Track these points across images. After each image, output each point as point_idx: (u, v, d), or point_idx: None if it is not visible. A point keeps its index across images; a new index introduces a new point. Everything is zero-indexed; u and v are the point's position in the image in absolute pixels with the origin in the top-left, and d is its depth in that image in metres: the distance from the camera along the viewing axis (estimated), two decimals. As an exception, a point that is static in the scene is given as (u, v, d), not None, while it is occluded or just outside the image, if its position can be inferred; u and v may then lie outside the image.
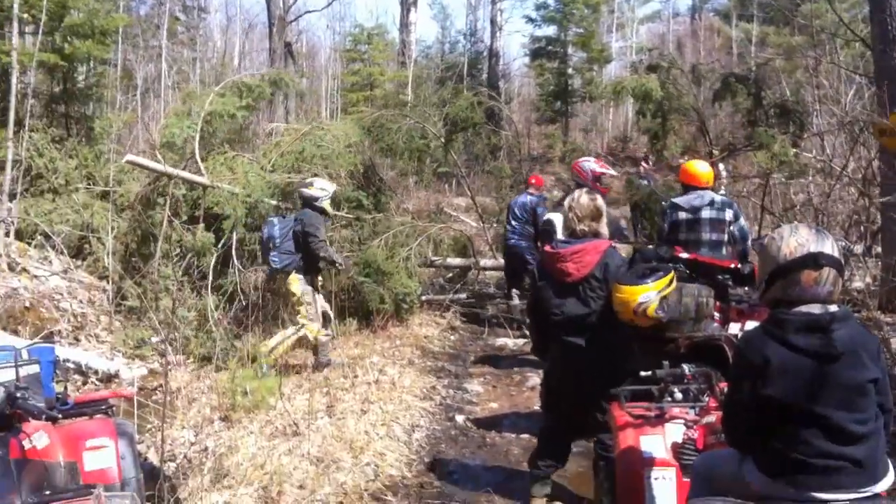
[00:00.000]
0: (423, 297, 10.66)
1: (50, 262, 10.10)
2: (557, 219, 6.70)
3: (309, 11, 25.59)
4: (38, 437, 3.27)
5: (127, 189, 11.23)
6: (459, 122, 13.07)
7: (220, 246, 9.58)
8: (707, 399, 3.99)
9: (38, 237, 10.42)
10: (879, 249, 9.41)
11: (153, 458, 5.70)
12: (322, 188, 8.28)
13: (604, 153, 25.91)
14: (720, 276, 6.07)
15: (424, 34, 48.94)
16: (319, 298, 8.28)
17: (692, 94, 18.32)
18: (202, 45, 30.19)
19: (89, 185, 11.62)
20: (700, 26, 39.27)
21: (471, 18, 36.55)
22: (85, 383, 7.50)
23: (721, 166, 17.08)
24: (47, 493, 3.02)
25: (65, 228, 10.56)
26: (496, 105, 16.13)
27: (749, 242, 6.86)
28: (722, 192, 16.90)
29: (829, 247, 2.92)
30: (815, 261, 2.89)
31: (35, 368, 3.79)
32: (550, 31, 30.19)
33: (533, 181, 10.69)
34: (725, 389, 3.40)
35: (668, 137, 22.29)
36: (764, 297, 3.09)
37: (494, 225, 13.52)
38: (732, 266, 6.20)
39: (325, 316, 8.34)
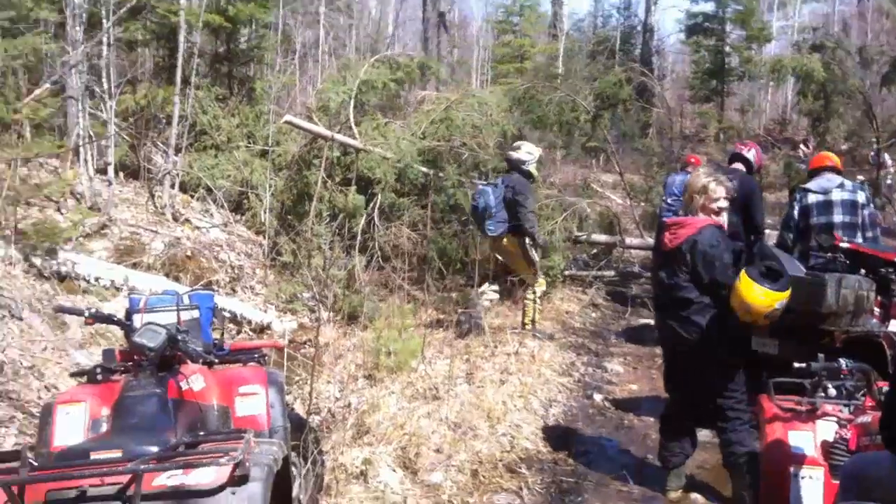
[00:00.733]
0: (567, 272, 10.57)
1: (211, 214, 10.58)
2: None
3: (464, -19, 25.41)
4: (194, 379, 3.36)
5: (285, 149, 11.58)
6: (606, 99, 12.78)
7: (368, 208, 9.83)
8: (863, 397, 3.81)
9: (201, 190, 10.90)
10: None
11: (299, 409, 5.89)
12: (529, 151, 8.39)
13: (761, 134, 24.86)
14: (882, 270, 5.74)
15: (577, 7, 48.33)
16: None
17: (858, 76, 17.30)
18: (358, 12, 30.69)
19: (249, 143, 12.05)
20: (868, 8, 36.90)
21: (626, -8, 35.62)
22: (239, 332, 7.83)
23: (887, 155, 16.16)
24: (201, 433, 3.11)
25: (226, 183, 11.01)
26: (648, 81, 15.64)
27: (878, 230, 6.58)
28: (889, 181, 16.04)
29: None
30: None
31: (195, 314, 3.89)
32: (708, 7, 29.12)
33: (692, 160, 10.42)
34: (884, 389, 3.24)
35: (830, 121, 21.19)
36: None
37: (642, 203, 13.24)
38: None
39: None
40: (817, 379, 3.89)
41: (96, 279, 7.34)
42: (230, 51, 14.00)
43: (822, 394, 3.89)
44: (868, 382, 3.81)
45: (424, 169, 10.30)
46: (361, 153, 10.08)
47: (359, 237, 9.57)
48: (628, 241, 11.75)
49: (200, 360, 3.47)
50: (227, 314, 7.63)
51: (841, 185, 6.58)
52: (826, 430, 3.71)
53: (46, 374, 5.37)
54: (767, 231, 8.19)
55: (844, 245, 5.94)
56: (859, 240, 6.41)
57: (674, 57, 38.96)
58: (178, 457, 2.67)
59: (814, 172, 6.86)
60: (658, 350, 8.46)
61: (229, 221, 10.46)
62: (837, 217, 6.50)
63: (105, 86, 10.02)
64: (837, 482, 3.29)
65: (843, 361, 3.94)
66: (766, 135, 24.77)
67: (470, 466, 5.22)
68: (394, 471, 4.98)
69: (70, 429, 3.18)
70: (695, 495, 5.01)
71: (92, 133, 9.98)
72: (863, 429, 3.56)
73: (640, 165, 16.69)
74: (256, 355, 4.00)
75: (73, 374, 4.07)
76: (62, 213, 8.48)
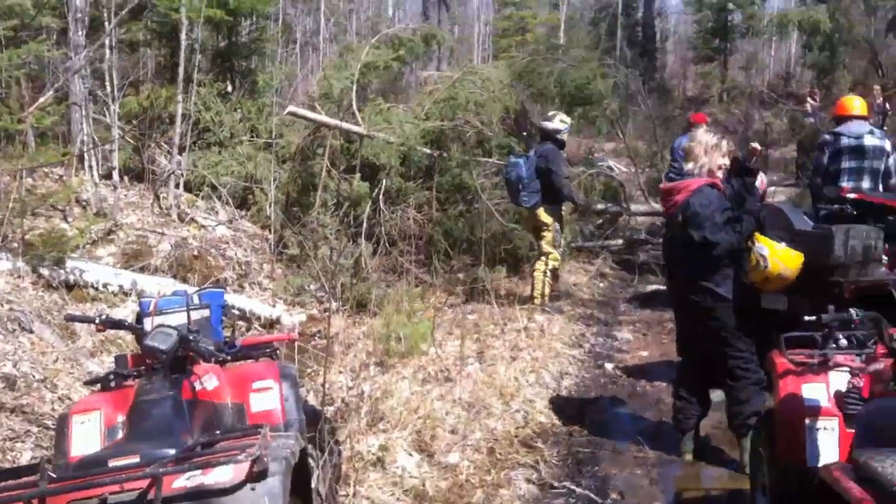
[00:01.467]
0: (573, 245, 10.57)
1: (216, 212, 10.61)
2: None
3: (461, -44, 25.31)
4: (207, 378, 3.36)
5: (288, 141, 11.59)
6: (579, 97, 12.68)
7: (373, 194, 9.86)
8: (874, 346, 3.82)
9: (206, 188, 10.92)
10: None
11: (313, 400, 5.95)
12: (563, 120, 8.64)
13: (765, 91, 24.66)
14: (891, 217, 5.73)
15: (578, -26, 47.89)
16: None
17: (864, 24, 17.14)
18: (358, -4, 30.59)
19: (253, 137, 12.05)
20: (871, -47, 36.45)
21: (626, -45, 35.28)
22: (249, 329, 7.87)
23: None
24: (217, 432, 3.11)
25: (230, 180, 11.02)
26: (631, 76, 15.40)
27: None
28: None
29: None
30: None
31: (205, 313, 3.89)
32: (711, -37, 28.84)
33: (696, 119, 10.34)
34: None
35: (836, 72, 21.00)
36: None
37: (646, 170, 13.21)
38: None
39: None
40: (828, 330, 3.90)
41: (104, 286, 7.38)
42: (231, 45, 13.99)
43: (834, 345, 3.90)
44: (879, 330, 3.80)
45: (428, 151, 10.31)
46: (365, 139, 10.09)
47: (365, 224, 9.60)
48: (634, 207, 11.73)
49: (213, 359, 3.48)
50: (236, 311, 7.69)
51: (871, 132, 6.66)
52: (839, 380, 3.71)
53: (59, 385, 5.42)
54: (773, 188, 8.17)
55: (851, 196, 5.95)
56: (879, 189, 6.46)
57: (676, 18, 38.64)
58: (195, 457, 2.69)
59: (841, 119, 6.85)
60: (667, 315, 8.50)
61: (235, 218, 10.48)
62: (867, 163, 6.55)
63: (108, 89, 10.06)
64: (853, 431, 3.34)
65: (853, 311, 3.95)
66: (769, 91, 24.55)
67: (486, 445, 5.26)
68: (410, 455, 5.02)
69: (86, 438, 3.21)
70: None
71: (96, 138, 10.03)
72: (875, 376, 3.56)
73: (643, 131, 16.62)
74: (268, 350, 3.99)
75: (86, 383, 4.12)
76: (68, 221, 8.54)
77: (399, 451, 5.01)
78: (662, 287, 9.56)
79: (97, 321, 3.58)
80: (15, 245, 6.99)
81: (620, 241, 11.48)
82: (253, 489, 2.59)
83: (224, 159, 11.38)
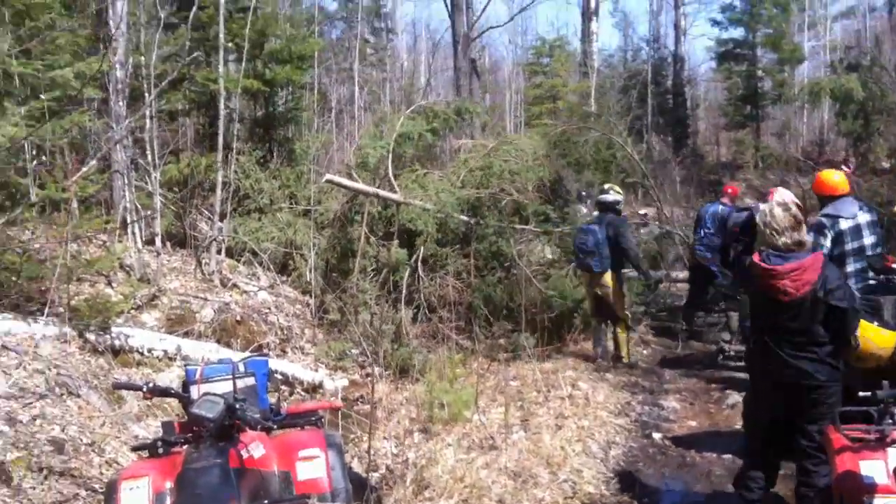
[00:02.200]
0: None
1: (258, 277, 10.69)
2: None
3: (492, 27, 25.65)
4: (254, 446, 3.36)
5: (326, 207, 11.73)
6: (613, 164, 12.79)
7: (412, 260, 9.90)
8: None
9: (247, 254, 11.05)
10: None
11: (357, 467, 5.91)
12: (618, 192, 9.18)
13: (800, 158, 24.60)
14: None
15: (606, 43, 48.50)
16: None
17: (896, 92, 17.14)
18: (391, 65, 31.16)
19: (292, 204, 12.23)
20: (900, 20, 36.54)
21: (653, 24, 35.76)
22: (291, 393, 7.86)
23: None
24: (265, 501, 3.11)
25: (270, 245, 11.14)
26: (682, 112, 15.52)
27: None
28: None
29: None
30: None
31: (251, 381, 3.94)
32: (737, 33, 29.15)
33: (728, 191, 10.30)
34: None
35: (871, 139, 20.91)
36: None
37: (684, 235, 13.16)
38: None
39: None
40: (884, 406, 3.79)
41: (149, 350, 7.42)
42: (269, 114, 14.29)
43: (890, 420, 3.80)
44: (936, 406, 3.72)
45: (465, 218, 10.37)
46: (402, 206, 10.18)
47: (404, 290, 9.63)
48: (674, 274, 11.65)
49: (259, 427, 3.47)
50: (279, 376, 7.69)
51: (861, 208, 6.58)
52: None
53: (106, 449, 5.43)
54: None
55: (897, 266, 5.88)
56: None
57: (706, 85, 38.90)
58: (245, 527, 2.67)
59: (828, 199, 6.69)
60: (714, 384, 8.38)
61: (276, 283, 10.57)
62: (867, 239, 6.45)
63: (149, 158, 10.26)
64: None
65: None
66: (804, 158, 24.49)
67: (533, 516, 5.17)
68: (457, 525, 4.95)
69: None
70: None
71: (139, 205, 10.20)
72: (934, 453, 3.49)
73: (679, 196, 16.63)
74: (314, 418, 3.99)
75: (134, 449, 4.11)
76: (113, 287, 8.63)
77: (445, 520, 4.93)
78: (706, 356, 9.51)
79: (144, 389, 3.58)
80: (61, 310, 7.05)
81: (658, 309, 11.39)
82: (303, 558, 2.55)
83: (264, 225, 11.52)
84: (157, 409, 6.41)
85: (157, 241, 10.05)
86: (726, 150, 31.89)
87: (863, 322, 4.58)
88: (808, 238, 4.58)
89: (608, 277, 8.81)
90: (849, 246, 6.43)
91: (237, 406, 3.30)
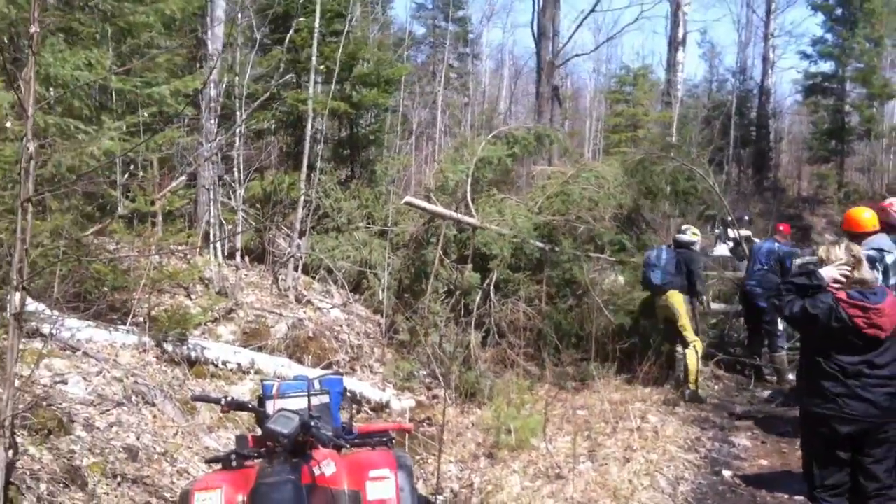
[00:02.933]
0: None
1: (331, 295, 10.86)
2: None
3: (578, 55, 25.75)
4: (326, 464, 3.36)
5: (402, 229, 11.86)
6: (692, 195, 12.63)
7: (484, 284, 9.93)
8: None
9: (322, 271, 11.23)
10: None
11: (422, 489, 5.94)
12: (695, 233, 9.46)
13: (885, 194, 23.95)
14: None
15: (691, 73, 48.05)
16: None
17: None
18: (473, 89, 31.36)
19: (369, 224, 12.39)
20: None
21: (741, 56, 35.23)
22: (359, 411, 7.95)
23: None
24: None
25: (345, 264, 11.30)
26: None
27: None
28: None
29: None
30: None
31: (325, 398, 3.97)
32: (827, 66, 28.55)
33: (781, 228, 10.33)
34: None
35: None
36: None
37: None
38: None
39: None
40: None
41: (224, 363, 7.58)
42: (352, 135, 14.55)
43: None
44: None
45: (540, 244, 10.37)
46: (478, 230, 10.23)
47: (474, 313, 9.66)
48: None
49: (331, 445, 3.53)
50: (348, 394, 7.76)
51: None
52: None
53: (179, 459, 5.57)
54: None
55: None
56: None
57: (790, 118, 38.19)
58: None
59: (863, 235, 6.71)
60: (786, 422, 8.18)
61: (349, 301, 10.70)
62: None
63: (235, 175, 10.53)
64: None
65: None
66: (889, 195, 23.83)
67: (598, 549, 5.13)
68: (520, 554, 4.94)
69: None
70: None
71: (223, 220, 10.46)
72: None
73: (758, 230, 16.32)
74: (384, 438, 4.02)
75: (208, 461, 4.20)
76: (192, 299, 8.87)
77: (509, 548, 4.93)
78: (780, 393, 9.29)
79: (223, 402, 3.67)
80: (142, 320, 7.28)
81: (732, 344, 11.18)
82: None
83: (341, 244, 11.69)
84: (229, 421, 6.55)
85: (237, 255, 10.29)
86: (808, 185, 31.26)
87: None
88: (869, 276, 4.64)
89: (674, 298, 8.95)
90: (892, 279, 6.38)
91: (311, 423, 3.35)
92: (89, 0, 8.49)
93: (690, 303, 9.22)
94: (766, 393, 9.56)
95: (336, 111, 12.98)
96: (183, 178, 10.02)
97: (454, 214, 10.38)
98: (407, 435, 6.63)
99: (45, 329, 6.21)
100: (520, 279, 10.20)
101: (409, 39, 26.44)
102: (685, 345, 9.00)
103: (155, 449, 5.53)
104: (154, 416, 6.03)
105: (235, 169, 10.61)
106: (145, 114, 9.07)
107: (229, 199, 10.84)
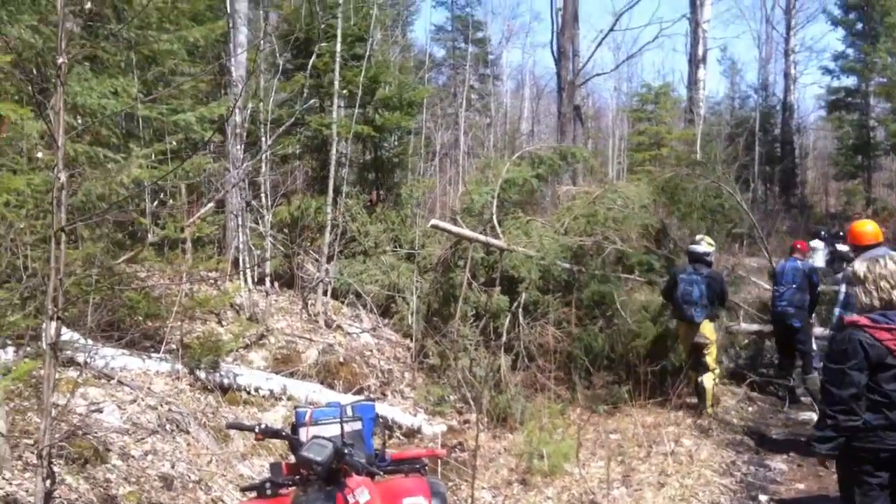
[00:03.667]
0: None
1: (361, 319, 10.86)
2: None
3: (598, 74, 25.76)
4: (360, 492, 3.31)
5: (429, 252, 11.86)
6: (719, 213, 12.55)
7: (513, 307, 9.88)
8: None
9: (351, 296, 11.24)
10: None
11: (455, 516, 5.91)
12: (710, 244, 9.29)
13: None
14: None
15: (713, 90, 47.90)
16: None
17: None
18: (494, 110, 31.45)
19: (396, 247, 12.41)
20: None
21: (762, 72, 35.14)
22: (390, 437, 7.92)
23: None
24: None
25: (374, 288, 11.32)
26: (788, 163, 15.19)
27: None
28: None
29: None
30: None
31: (358, 425, 3.97)
32: (850, 81, 28.45)
33: (798, 246, 10.23)
34: None
35: None
36: None
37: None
38: None
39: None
40: None
41: (256, 389, 7.60)
42: (376, 158, 14.62)
43: None
44: None
45: (568, 265, 10.32)
46: (505, 252, 10.20)
47: (504, 337, 9.62)
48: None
49: (365, 472, 3.51)
50: (380, 420, 7.75)
51: None
52: None
53: (213, 487, 5.57)
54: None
55: None
56: None
57: (815, 134, 38.00)
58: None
59: (866, 247, 6.74)
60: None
61: (378, 325, 10.71)
62: None
63: (262, 201, 10.60)
64: None
65: None
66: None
67: (635, 576, 5.06)
68: (556, 581, 4.89)
69: None
70: None
71: (253, 246, 10.52)
72: None
73: (785, 249, 16.16)
74: (418, 465, 4.00)
75: (243, 489, 4.20)
76: (223, 325, 8.90)
77: (544, 575, 4.88)
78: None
79: (256, 430, 3.66)
80: (174, 347, 7.31)
81: (766, 366, 11.06)
82: None
83: (369, 268, 11.72)
84: (263, 448, 6.55)
85: (267, 281, 10.34)
86: (835, 201, 31.03)
87: None
88: None
89: (707, 328, 8.87)
90: None
91: (345, 451, 3.32)
92: (114, 29, 8.60)
93: (715, 329, 9.18)
94: (804, 415, 9.39)
95: (360, 135, 13.07)
96: (211, 204, 10.09)
97: (481, 237, 10.36)
98: (439, 461, 6.60)
99: (80, 358, 6.25)
100: (548, 301, 10.13)
101: (430, 62, 26.59)
102: (706, 369, 8.92)
103: (189, 477, 5.54)
104: (188, 444, 6.04)
105: (263, 194, 10.66)
106: (172, 141, 9.18)
107: (257, 224, 10.89)
